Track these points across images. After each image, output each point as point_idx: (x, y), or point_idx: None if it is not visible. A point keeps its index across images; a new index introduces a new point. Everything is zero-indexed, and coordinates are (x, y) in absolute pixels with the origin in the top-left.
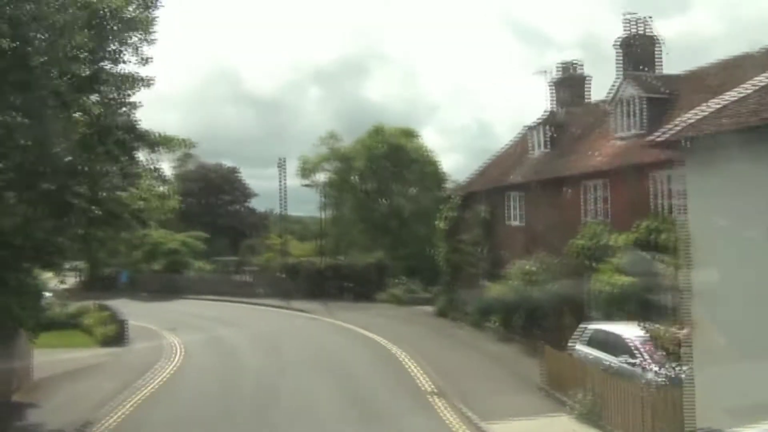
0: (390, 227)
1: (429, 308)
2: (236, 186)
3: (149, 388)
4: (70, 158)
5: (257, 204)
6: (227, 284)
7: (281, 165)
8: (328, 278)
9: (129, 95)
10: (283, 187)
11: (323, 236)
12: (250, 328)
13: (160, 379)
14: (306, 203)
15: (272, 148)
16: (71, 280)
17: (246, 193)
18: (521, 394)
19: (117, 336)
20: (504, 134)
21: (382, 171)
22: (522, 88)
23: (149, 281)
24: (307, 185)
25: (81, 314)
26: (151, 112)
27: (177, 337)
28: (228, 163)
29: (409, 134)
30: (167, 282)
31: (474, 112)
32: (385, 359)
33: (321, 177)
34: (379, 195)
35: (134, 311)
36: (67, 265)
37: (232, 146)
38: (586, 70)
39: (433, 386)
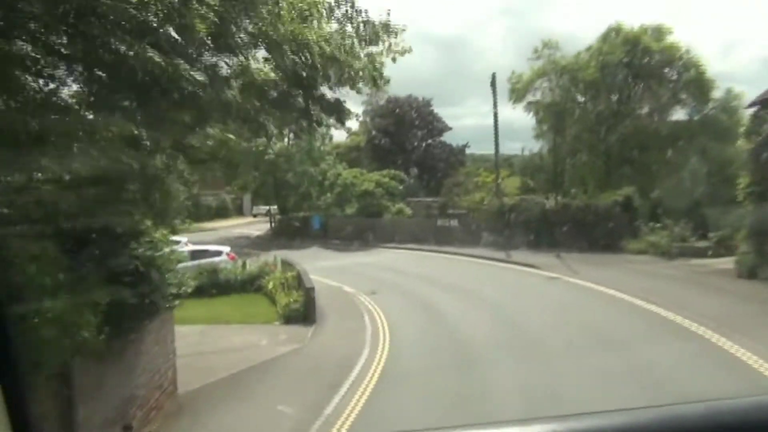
0: (631, 155)
1: (716, 262)
2: (430, 120)
3: (348, 418)
4: None
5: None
6: (430, 230)
7: (492, 83)
8: (557, 222)
9: None
10: (494, 110)
11: (539, 171)
12: (473, 293)
13: (360, 396)
14: (509, 139)
15: (454, 88)
16: (263, 226)
17: (440, 127)
18: None
19: (303, 309)
20: (710, 57)
21: (620, 84)
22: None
23: (342, 227)
24: (530, 103)
25: (262, 275)
26: None
27: (379, 307)
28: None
29: (659, 31)
30: (362, 228)
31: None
32: (735, 374)
33: (536, 97)
34: (615, 114)
35: (326, 264)
36: (262, 209)
37: (417, 87)
38: None
39: None
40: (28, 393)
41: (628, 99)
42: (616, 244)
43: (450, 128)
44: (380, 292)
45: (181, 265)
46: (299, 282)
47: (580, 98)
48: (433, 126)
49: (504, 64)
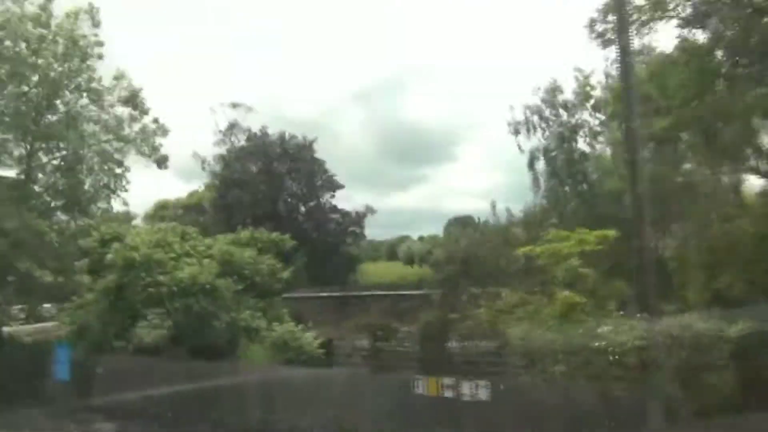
0: None
1: None
2: (314, 170)
3: None
4: None
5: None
6: (381, 414)
7: None
8: None
9: None
10: None
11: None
12: None
13: None
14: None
15: None
16: None
17: (331, 183)
18: None
19: None
20: None
21: None
22: None
23: (124, 378)
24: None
25: None
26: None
27: None
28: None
29: None
30: (174, 391)
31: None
32: None
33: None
34: None
35: None
36: None
37: None
38: None
39: None
40: None
41: None
42: None
43: (342, 186)
44: None
45: None
46: None
47: None
48: (317, 180)
49: (362, 150)
